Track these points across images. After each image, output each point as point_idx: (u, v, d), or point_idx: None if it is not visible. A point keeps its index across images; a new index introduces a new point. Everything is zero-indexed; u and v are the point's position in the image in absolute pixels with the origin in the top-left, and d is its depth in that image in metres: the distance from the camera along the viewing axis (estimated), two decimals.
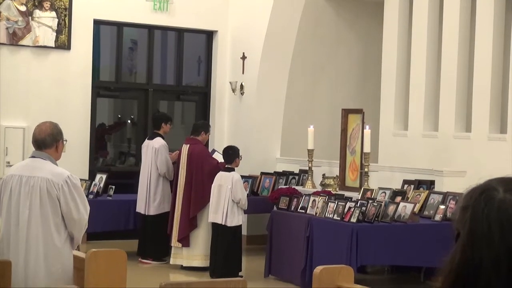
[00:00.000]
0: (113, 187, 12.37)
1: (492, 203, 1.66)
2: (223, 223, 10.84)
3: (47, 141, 5.98)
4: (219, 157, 11.64)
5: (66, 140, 6.22)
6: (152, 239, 11.94)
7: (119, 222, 12.29)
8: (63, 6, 13.22)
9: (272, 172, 13.23)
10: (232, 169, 11.02)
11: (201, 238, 11.40)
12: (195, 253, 11.45)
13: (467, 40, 12.08)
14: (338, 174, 12.08)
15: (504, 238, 1.62)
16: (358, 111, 12.01)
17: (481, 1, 11.76)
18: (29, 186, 5.82)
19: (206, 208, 11.24)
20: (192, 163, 11.48)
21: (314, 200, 10.52)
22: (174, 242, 11.56)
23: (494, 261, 1.62)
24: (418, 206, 10.38)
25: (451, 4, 12.14)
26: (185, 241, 11.45)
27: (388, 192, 10.88)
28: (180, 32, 14.56)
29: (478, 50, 11.77)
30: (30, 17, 13.00)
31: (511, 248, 1.61)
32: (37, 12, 13.05)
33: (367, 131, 11.60)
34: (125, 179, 13.80)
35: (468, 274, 1.64)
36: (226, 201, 10.84)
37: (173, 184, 11.83)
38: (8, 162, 12.36)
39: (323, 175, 12.15)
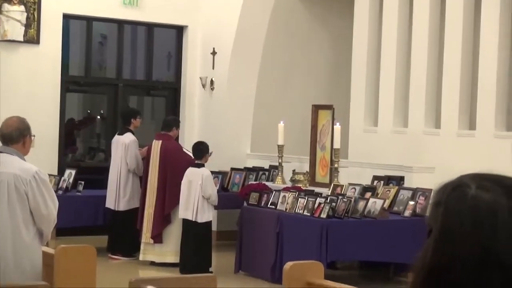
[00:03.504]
0: (83, 182, 12.31)
1: (465, 200, 1.66)
2: (193, 219, 10.83)
3: (14, 136, 5.93)
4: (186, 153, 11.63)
5: (34, 135, 6.16)
6: (122, 235, 11.89)
7: (88, 217, 12.23)
8: (32, 0, 13.11)
9: (242, 167, 13.22)
10: (202, 165, 11.00)
11: (173, 234, 11.37)
12: (168, 249, 11.42)
13: (437, 36, 12.14)
14: (308, 170, 12.09)
15: (476, 235, 1.63)
16: (328, 107, 12.03)
17: None
18: None
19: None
20: (166, 159, 11.43)
21: (284, 196, 10.53)
22: (144, 238, 11.53)
23: (466, 258, 1.62)
24: (387, 202, 10.42)
25: (421, 1, 12.19)
26: (158, 237, 11.43)
27: (358, 188, 10.91)
28: (150, 27, 14.50)
29: (447, 47, 11.83)
30: None
31: (483, 245, 1.62)
32: (6, 6, 12.93)
33: (337, 127, 11.62)
34: (95, 175, 13.73)
35: (440, 270, 1.64)
36: (196, 197, 10.82)
37: (143, 179, 11.79)
38: None
39: (293, 171, 12.16)
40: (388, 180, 11.25)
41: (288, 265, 5.32)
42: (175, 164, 11.38)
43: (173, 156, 11.43)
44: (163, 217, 11.41)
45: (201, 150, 11.09)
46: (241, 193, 11.80)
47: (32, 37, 13.16)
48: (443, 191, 1.70)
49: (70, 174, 12.36)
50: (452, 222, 1.65)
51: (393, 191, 10.78)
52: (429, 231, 1.70)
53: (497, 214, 1.63)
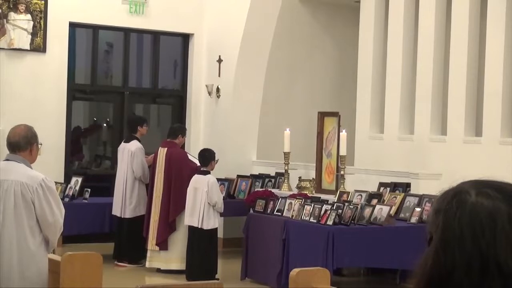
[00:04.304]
0: (89, 190, 12.32)
1: (464, 206, 1.66)
2: (199, 226, 10.83)
3: (21, 144, 5.95)
4: (192, 160, 11.65)
5: (41, 144, 6.18)
6: (128, 242, 11.90)
7: (94, 225, 12.24)
8: (38, 9, 13.15)
9: (248, 175, 13.23)
10: (207, 172, 11.01)
11: (179, 241, 11.38)
12: (173, 256, 11.43)
13: (443, 43, 12.15)
14: (314, 177, 12.10)
15: (476, 242, 1.63)
16: (334, 114, 12.04)
17: (456, 4, 11.82)
18: (2, 190, 5.78)
19: (184, 211, 11.21)
20: (171, 167, 11.45)
21: (290, 203, 10.52)
22: (150, 245, 11.54)
23: (466, 265, 1.62)
24: (394, 208, 10.41)
25: (427, 8, 12.20)
26: (163, 244, 11.43)
27: (364, 195, 10.91)
28: (156, 35, 14.53)
29: (454, 53, 11.84)
30: (5, 20, 12.93)
31: (483, 252, 1.62)
32: (12, 15, 12.97)
33: (343, 134, 11.63)
34: (101, 182, 13.75)
35: (441, 278, 1.64)
36: (202, 204, 10.83)
37: (149, 187, 11.80)
38: None
39: (299, 178, 12.17)
40: (394, 186, 11.25)
41: (294, 271, 5.32)
42: (179, 172, 11.39)
43: (177, 163, 11.45)
44: (168, 224, 11.42)
45: (207, 157, 11.10)
46: (247, 200, 11.80)
47: (38, 46, 13.20)
48: (443, 198, 1.70)
49: (76, 181, 12.38)
50: (452, 229, 1.65)
51: (399, 197, 10.78)
52: (429, 239, 1.70)
53: (497, 221, 1.63)
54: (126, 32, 14.26)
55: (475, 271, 1.62)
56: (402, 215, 10.53)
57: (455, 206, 1.67)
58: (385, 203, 10.53)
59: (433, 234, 1.69)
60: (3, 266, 5.76)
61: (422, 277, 1.67)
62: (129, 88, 14.50)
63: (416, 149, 12.15)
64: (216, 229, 10.98)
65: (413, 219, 10.25)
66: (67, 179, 12.81)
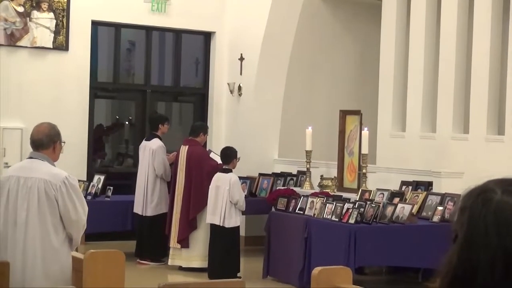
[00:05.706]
0: (111, 188, 12.36)
1: (490, 204, 1.66)
2: (221, 224, 10.84)
3: (44, 141, 5.98)
4: (215, 158, 11.66)
5: (64, 142, 6.20)
6: (150, 240, 11.93)
7: (117, 223, 12.29)
8: (61, 7, 13.21)
9: (270, 173, 13.23)
10: (229, 170, 11.01)
11: (200, 239, 11.40)
12: (194, 254, 11.45)
13: (465, 42, 12.09)
14: (336, 175, 12.08)
15: (501, 240, 1.63)
16: (356, 113, 12.01)
17: (478, 2, 11.77)
18: (26, 187, 5.82)
19: (205, 209, 11.23)
20: (191, 164, 11.47)
21: (312, 201, 10.52)
22: (172, 243, 11.56)
23: (490, 263, 1.62)
24: (416, 207, 10.39)
25: (449, 6, 12.15)
26: (184, 242, 11.46)
27: (386, 193, 10.88)
28: (177, 33, 14.55)
29: (476, 52, 11.78)
30: (28, 18, 12.99)
31: (508, 250, 1.62)
32: (35, 13, 13.04)
33: (365, 132, 11.60)
34: (123, 180, 13.78)
35: (465, 276, 1.64)
36: (223, 202, 10.84)
37: (171, 185, 11.83)
38: (6, 163, 12.34)
39: (321, 176, 12.15)
40: (416, 185, 11.21)
41: (316, 270, 5.33)
42: (199, 170, 11.41)
43: (198, 161, 11.46)
44: (188, 222, 11.44)
45: (229, 155, 11.11)
46: (269, 198, 11.81)
47: (61, 44, 13.26)
48: (468, 196, 1.70)
49: (99, 179, 12.43)
50: (477, 227, 1.65)
51: (421, 196, 10.75)
52: (454, 236, 1.70)
53: None
54: (148, 30, 14.30)
55: (500, 269, 1.62)
56: (424, 213, 10.51)
57: (481, 204, 1.67)
58: (407, 201, 10.50)
59: (458, 232, 1.69)
60: (27, 263, 5.79)
61: (447, 274, 1.67)
62: (151, 86, 14.54)
63: (438, 148, 12.11)
64: (238, 227, 10.99)
65: (435, 218, 10.22)
66: (90, 177, 12.86)
